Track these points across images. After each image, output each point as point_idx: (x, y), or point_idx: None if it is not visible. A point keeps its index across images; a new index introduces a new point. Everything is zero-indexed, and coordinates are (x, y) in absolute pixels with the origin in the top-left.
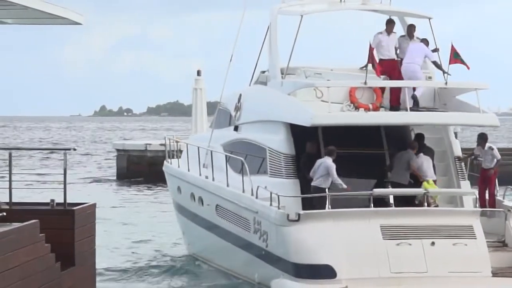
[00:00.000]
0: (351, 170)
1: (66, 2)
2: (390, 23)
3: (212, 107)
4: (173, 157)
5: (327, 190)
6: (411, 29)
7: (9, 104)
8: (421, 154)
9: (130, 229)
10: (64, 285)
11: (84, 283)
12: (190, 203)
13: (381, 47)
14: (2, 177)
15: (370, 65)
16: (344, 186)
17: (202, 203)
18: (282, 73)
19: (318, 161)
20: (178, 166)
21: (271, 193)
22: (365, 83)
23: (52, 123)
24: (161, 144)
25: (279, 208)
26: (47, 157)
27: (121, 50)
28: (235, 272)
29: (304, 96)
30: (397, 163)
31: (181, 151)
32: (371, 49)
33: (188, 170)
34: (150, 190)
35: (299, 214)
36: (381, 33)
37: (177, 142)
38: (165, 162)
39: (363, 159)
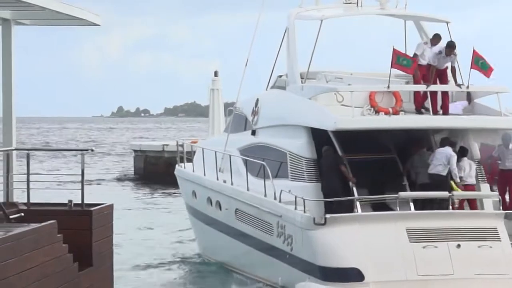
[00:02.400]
0: (366, 175)
1: (86, 4)
2: (436, 37)
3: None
4: (184, 161)
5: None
6: (436, 39)
7: (25, 105)
8: (465, 158)
9: (146, 229)
10: (82, 286)
11: (102, 283)
12: (206, 207)
13: (423, 56)
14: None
15: (392, 70)
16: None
17: (220, 207)
18: (301, 78)
19: (438, 150)
20: (193, 171)
21: (295, 197)
22: (388, 87)
23: (78, 123)
24: (179, 145)
25: (305, 212)
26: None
27: (139, 51)
28: (255, 275)
29: (324, 101)
30: (419, 164)
31: (193, 153)
32: (394, 54)
33: (204, 175)
34: (167, 190)
35: (325, 218)
36: (426, 43)
37: (193, 143)
38: (177, 166)
39: (377, 164)
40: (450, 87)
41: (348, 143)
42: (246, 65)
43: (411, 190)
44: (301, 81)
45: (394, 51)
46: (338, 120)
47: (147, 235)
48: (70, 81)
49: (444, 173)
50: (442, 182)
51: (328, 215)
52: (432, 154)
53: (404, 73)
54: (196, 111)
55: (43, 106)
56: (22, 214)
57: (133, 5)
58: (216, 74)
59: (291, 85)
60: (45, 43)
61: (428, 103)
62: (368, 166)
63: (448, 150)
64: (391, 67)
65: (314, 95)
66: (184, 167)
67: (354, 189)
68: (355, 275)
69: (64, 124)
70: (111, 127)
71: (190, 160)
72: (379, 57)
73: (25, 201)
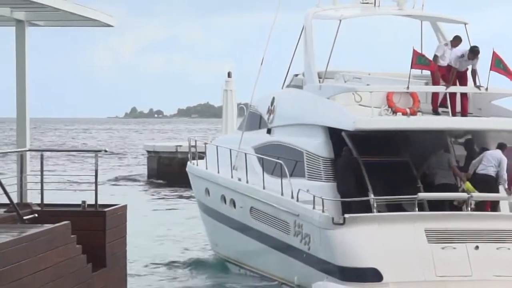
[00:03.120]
0: (380, 178)
1: (101, 6)
2: (457, 39)
3: (241, 109)
4: (195, 159)
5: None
6: (456, 41)
7: (38, 106)
8: None
9: (159, 230)
10: (95, 287)
11: (115, 284)
12: (219, 205)
13: (443, 57)
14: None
15: (412, 70)
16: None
17: (234, 205)
18: (319, 77)
19: (490, 153)
20: (206, 168)
21: (314, 197)
22: (408, 88)
23: (100, 124)
24: (192, 146)
25: (323, 211)
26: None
27: (152, 52)
28: (269, 274)
29: (342, 101)
30: (436, 165)
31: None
32: (414, 54)
33: (218, 172)
34: (181, 191)
35: (344, 218)
36: (446, 44)
37: (206, 144)
38: (188, 163)
39: (391, 167)
40: (469, 88)
41: (363, 145)
42: (261, 63)
43: (427, 192)
44: (319, 81)
45: (414, 52)
46: (357, 120)
47: (160, 235)
48: (83, 82)
49: (494, 175)
50: (491, 182)
51: (347, 215)
52: (482, 156)
53: (422, 73)
54: (209, 112)
55: (55, 107)
56: (36, 215)
57: (146, 7)
58: (229, 75)
59: (309, 84)
60: (59, 44)
61: (447, 105)
62: (382, 169)
63: (499, 153)
64: (411, 67)
65: (332, 95)
66: (197, 164)
67: (370, 190)
68: (374, 275)
69: (80, 125)
70: (133, 128)
71: (201, 157)
72: (394, 57)
73: (39, 201)
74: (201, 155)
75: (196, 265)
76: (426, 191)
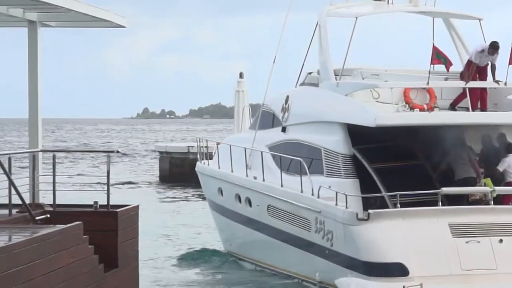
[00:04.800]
0: (396, 182)
1: (114, 6)
2: (494, 48)
3: (253, 109)
4: (207, 159)
5: None
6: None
7: (49, 107)
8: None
9: (171, 230)
10: (107, 287)
11: (127, 285)
12: (234, 203)
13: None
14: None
15: (431, 66)
16: None
17: (250, 204)
18: (336, 75)
19: None
20: (219, 167)
21: (336, 193)
22: (428, 83)
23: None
24: (203, 146)
25: (347, 208)
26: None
27: (164, 52)
28: (287, 271)
29: (360, 97)
30: (456, 160)
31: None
32: (433, 50)
33: (232, 171)
34: (192, 191)
35: (368, 213)
36: (483, 51)
37: (218, 144)
38: (198, 163)
39: (406, 171)
40: (488, 83)
41: (375, 150)
42: (274, 62)
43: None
44: (335, 78)
45: (434, 48)
46: (379, 116)
47: (172, 235)
48: (95, 83)
49: None
50: None
51: (371, 211)
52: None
53: (441, 69)
54: (221, 112)
55: (65, 107)
56: (48, 215)
57: (160, 7)
58: (241, 75)
59: (325, 82)
60: (71, 45)
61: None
62: (397, 174)
63: None
64: (431, 63)
65: (351, 92)
66: (209, 164)
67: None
68: (400, 270)
69: (98, 126)
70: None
71: (209, 158)
72: (402, 54)
73: (51, 202)
74: (210, 155)
75: (209, 264)
76: (446, 186)
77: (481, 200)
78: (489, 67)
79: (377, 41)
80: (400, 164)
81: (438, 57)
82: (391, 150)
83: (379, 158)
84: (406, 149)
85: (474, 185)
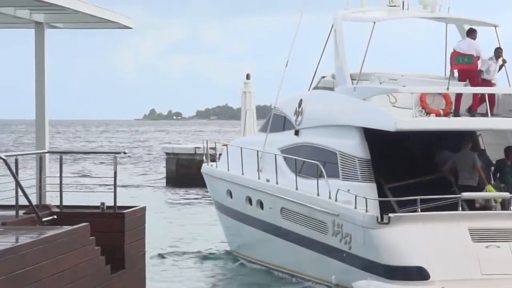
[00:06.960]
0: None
1: (121, 7)
2: (499, 51)
3: (260, 111)
4: (212, 160)
5: None
6: (499, 52)
7: (56, 108)
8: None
9: (178, 231)
10: None
11: (134, 286)
12: (244, 206)
13: (488, 71)
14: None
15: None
16: None
17: (262, 207)
18: (352, 79)
19: None
20: (228, 169)
21: (356, 196)
22: (447, 88)
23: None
24: (211, 148)
25: (367, 211)
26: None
27: (172, 53)
28: (302, 274)
29: (378, 102)
30: (462, 165)
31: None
32: (453, 54)
33: (242, 174)
34: (199, 193)
35: (389, 217)
36: (491, 58)
37: (226, 145)
38: (204, 165)
39: (426, 186)
40: (508, 89)
41: (390, 168)
42: (286, 65)
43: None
44: (352, 82)
45: (455, 52)
46: (399, 121)
47: (179, 237)
48: (102, 84)
49: None
50: None
51: (391, 214)
52: None
53: (452, 75)
54: (228, 113)
55: (73, 108)
56: (55, 216)
57: (167, 8)
58: (248, 77)
59: (341, 86)
60: (79, 46)
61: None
62: (416, 190)
63: None
64: (451, 68)
65: (369, 96)
66: (216, 166)
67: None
68: (421, 273)
69: (110, 127)
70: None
71: (213, 159)
72: (414, 58)
73: (58, 203)
74: (214, 157)
75: (216, 266)
76: (448, 190)
77: (485, 207)
78: (495, 70)
79: (387, 45)
80: (423, 179)
81: (458, 61)
82: (407, 164)
83: (395, 175)
84: (425, 161)
85: (477, 189)
